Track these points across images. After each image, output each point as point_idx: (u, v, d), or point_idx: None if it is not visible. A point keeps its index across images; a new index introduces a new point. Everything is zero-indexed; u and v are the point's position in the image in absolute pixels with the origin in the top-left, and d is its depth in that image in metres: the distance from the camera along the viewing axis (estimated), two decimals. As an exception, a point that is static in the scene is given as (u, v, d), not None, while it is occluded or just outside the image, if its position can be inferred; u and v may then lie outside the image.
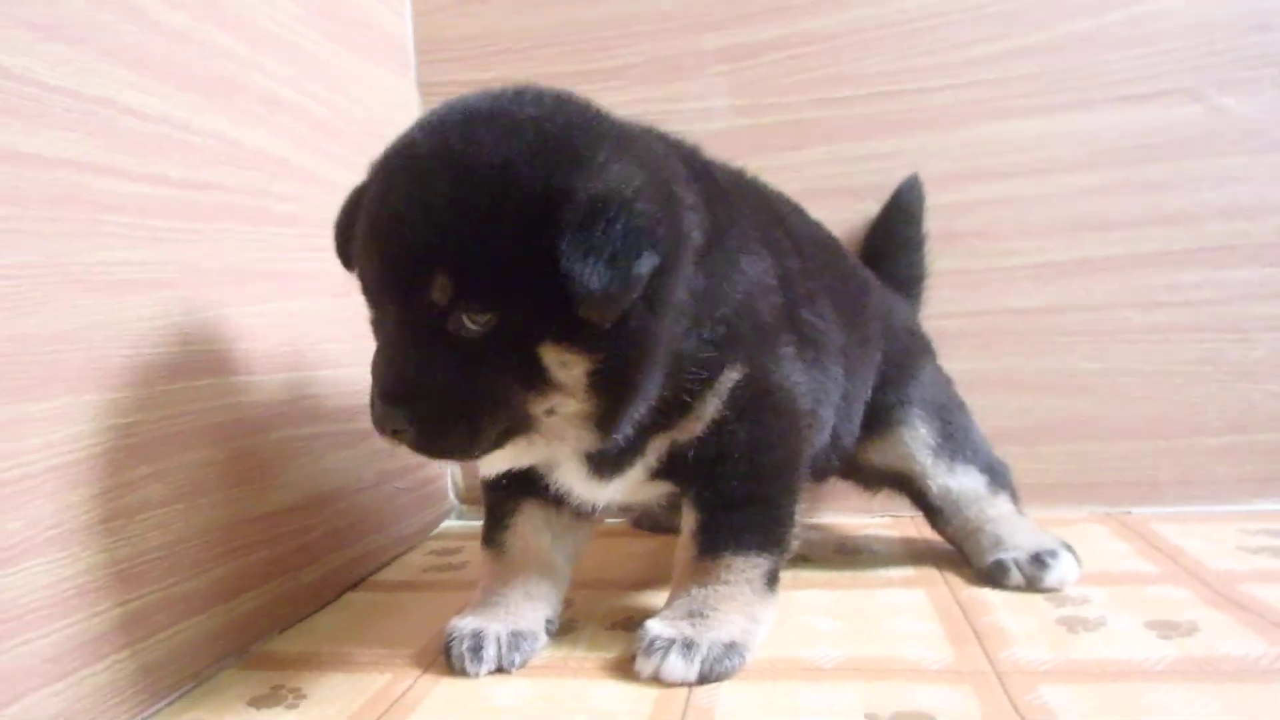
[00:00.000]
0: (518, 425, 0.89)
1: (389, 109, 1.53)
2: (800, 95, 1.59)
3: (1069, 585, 1.15)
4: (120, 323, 0.93)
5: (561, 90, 0.93)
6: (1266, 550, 1.26)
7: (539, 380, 0.85)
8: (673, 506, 1.08)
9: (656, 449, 1.00)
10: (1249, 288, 1.47)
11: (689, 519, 1.01)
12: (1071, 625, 1.03)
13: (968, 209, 1.54)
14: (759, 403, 1.00)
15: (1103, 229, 1.51)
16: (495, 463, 0.94)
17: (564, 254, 0.79)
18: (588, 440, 0.91)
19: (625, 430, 0.92)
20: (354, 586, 1.34)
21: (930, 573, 1.26)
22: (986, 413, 1.53)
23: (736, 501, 0.99)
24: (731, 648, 0.96)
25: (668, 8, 1.62)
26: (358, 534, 1.38)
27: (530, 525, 1.07)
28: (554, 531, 1.09)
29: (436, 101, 0.94)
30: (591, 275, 0.78)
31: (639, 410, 0.92)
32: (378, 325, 0.91)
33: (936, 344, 1.54)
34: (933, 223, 1.55)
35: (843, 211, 1.58)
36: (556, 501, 1.07)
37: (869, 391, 1.25)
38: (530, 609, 1.05)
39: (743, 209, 1.08)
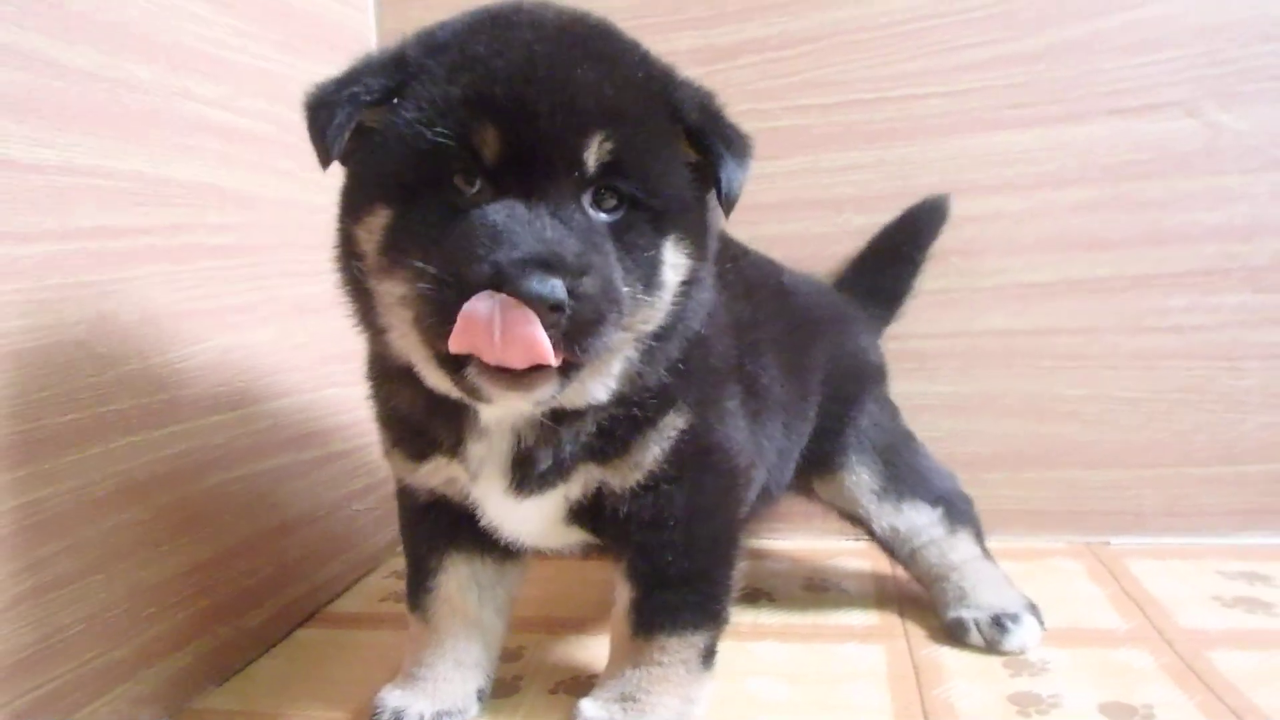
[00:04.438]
0: (578, 363, 0.80)
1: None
2: (777, 101, 1.51)
3: (1029, 650, 1.11)
4: (18, 396, 0.88)
5: None
6: (1243, 603, 1.22)
7: (653, 281, 0.82)
8: (586, 557, 1.06)
9: (582, 480, 0.93)
10: (1241, 313, 1.39)
11: (623, 593, 0.97)
12: (1024, 705, 0.99)
13: (952, 225, 1.46)
14: (699, 461, 0.95)
15: (1092, 248, 1.43)
16: (521, 406, 0.84)
17: (724, 158, 0.83)
18: (614, 385, 0.86)
19: (652, 378, 0.88)
20: (307, 620, 1.32)
21: (893, 621, 1.23)
22: (967, 437, 1.50)
23: (671, 579, 0.95)
24: (666, 733, 0.92)
25: (639, 5, 1.53)
26: (313, 565, 1.35)
27: (455, 584, 1.03)
28: (481, 584, 1.04)
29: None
30: (741, 179, 0.85)
31: (660, 366, 0.88)
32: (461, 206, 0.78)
33: (915, 366, 1.50)
34: (915, 238, 1.48)
35: (821, 225, 1.51)
36: (481, 549, 1.02)
37: (805, 441, 1.20)
38: (460, 679, 1.02)
39: None
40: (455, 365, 0.76)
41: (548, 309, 0.71)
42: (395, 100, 0.79)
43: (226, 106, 1.19)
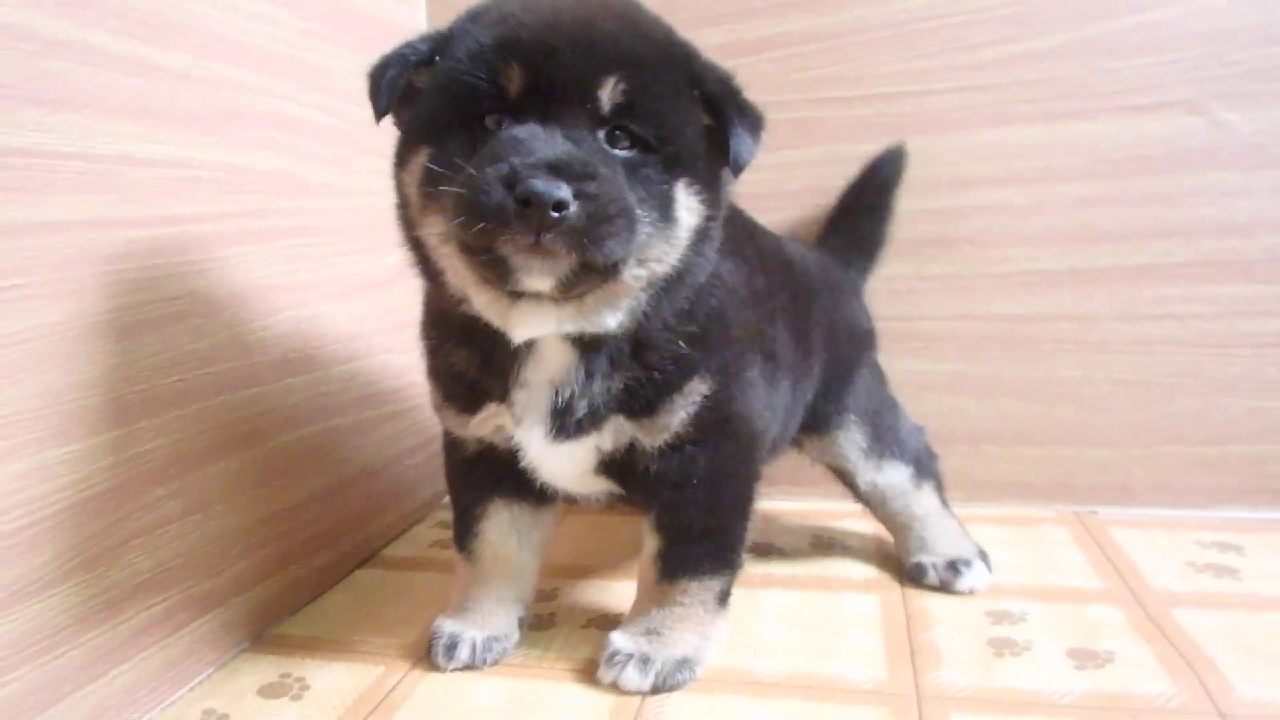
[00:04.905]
0: (600, 268, 0.88)
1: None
2: (800, 94, 1.61)
3: (979, 591, 1.29)
4: (134, 362, 1.03)
5: None
6: (1212, 569, 1.33)
7: (668, 218, 0.91)
8: (610, 507, 1.19)
9: (613, 432, 1.04)
10: (1236, 304, 1.49)
11: (650, 543, 1.10)
12: (1000, 648, 1.12)
13: (962, 215, 1.57)
14: (721, 427, 1.06)
15: (1095, 240, 1.53)
16: (541, 323, 0.94)
17: (736, 125, 0.92)
18: (623, 319, 0.95)
19: (659, 322, 0.98)
20: (364, 563, 1.48)
21: (890, 575, 1.36)
22: (969, 414, 1.61)
23: (694, 533, 1.08)
24: (683, 663, 1.07)
25: (672, 1, 1.63)
26: (371, 514, 1.51)
27: (497, 530, 1.16)
28: (519, 529, 1.18)
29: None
30: (751, 148, 0.94)
31: (666, 314, 0.98)
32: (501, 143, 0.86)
33: (923, 346, 1.61)
34: (927, 227, 1.58)
35: (839, 212, 1.62)
36: (519, 496, 1.15)
37: (809, 398, 1.31)
38: (503, 612, 1.17)
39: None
40: (486, 253, 0.86)
41: (550, 206, 0.81)
42: (437, 60, 0.92)
43: (295, 101, 1.32)
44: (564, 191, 0.81)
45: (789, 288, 1.26)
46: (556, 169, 0.82)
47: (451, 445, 1.18)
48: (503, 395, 1.03)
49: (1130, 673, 1.06)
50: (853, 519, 1.59)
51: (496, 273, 0.88)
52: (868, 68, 1.58)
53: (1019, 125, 1.53)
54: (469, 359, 1.05)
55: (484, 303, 0.94)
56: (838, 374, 1.33)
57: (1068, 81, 1.51)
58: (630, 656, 1.07)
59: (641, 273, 0.92)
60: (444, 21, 1.65)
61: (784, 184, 1.61)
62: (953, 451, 1.61)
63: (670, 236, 0.92)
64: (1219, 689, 1.02)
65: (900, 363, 1.60)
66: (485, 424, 1.08)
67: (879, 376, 1.42)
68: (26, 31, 0.90)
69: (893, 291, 1.61)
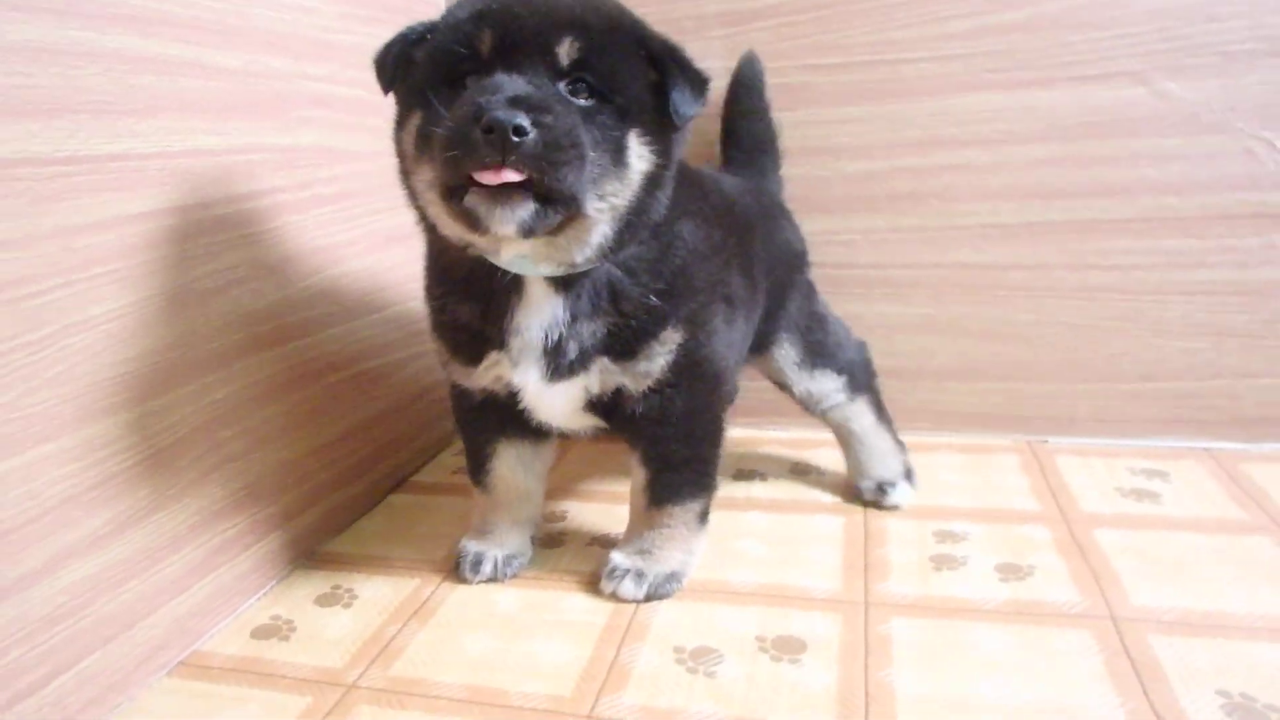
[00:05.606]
0: (576, 209, 1.01)
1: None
2: (789, 61, 1.75)
3: (904, 505, 1.52)
4: (208, 321, 1.21)
5: None
6: (1135, 493, 1.53)
7: (621, 161, 1.03)
8: (596, 440, 1.36)
9: (600, 374, 1.18)
10: (1171, 256, 1.65)
11: (638, 475, 1.29)
12: (939, 563, 1.33)
13: (931, 173, 1.72)
14: (693, 370, 1.22)
15: (1048, 197, 1.69)
16: (521, 247, 1.07)
17: (676, 79, 1.05)
18: (591, 254, 1.08)
19: (628, 267, 1.13)
20: (396, 488, 1.69)
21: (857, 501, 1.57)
22: (935, 352, 1.80)
23: (675, 463, 1.27)
24: (672, 576, 1.28)
25: (670, -29, 1.76)
26: (400, 445, 1.71)
27: (505, 465, 1.35)
28: (524, 462, 1.36)
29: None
30: (690, 101, 1.07)
31: (630, 246, 1.11)
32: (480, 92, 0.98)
33: (893, 292, 1.79)
34: (901, 183, 1.74)
35: (821, 170, 1.77)
36: (521, 435, 1.33)
37: (756, 326, 1.47)
38: (517, 533, 1.38)
39: (680, 180, 1.20)
40: (459, 197, 0.98)
41: (510, 131, 0.92)
42: (429, 36, 1.07)
43: (333, 80, 1.47)
44: (522, 119, 0.92)
45: (736, 232, 1.39)
46: (516, 102, 0.94)
47: (459, 397, 1.34)
48: (501, 343, 1.18)
49: (1045, 584, 1.26)
50: (830, 447, 1.79)
51: (468, 223, 1.02)
52: (850, 37, 1.71)
53: (984, 92, 1.68)
54: (471, 311, 1.19)
55: (478, 243, 1.08)
56: (775, 297, 1.49)
57: (1029, 53, 1.64)
58: (627, 571, 1.27)
59: (602, 205, 1.04)
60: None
61: (772, 144, 1.76)
62: (920, 386, 1.82)
63: (623, 176, 1.04)
64: (1116, 598, 1.22)
65: (875, 306, 1.80)
66: (487, 373, 1.22)
67: (810, 294, 1.58)
68: (122, 52, 1.07)
69: (869, 242, 1.78)
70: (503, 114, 0.92)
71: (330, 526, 1.50)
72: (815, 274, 1.66)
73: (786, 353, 1.52)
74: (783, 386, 1.57)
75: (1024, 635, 1.15)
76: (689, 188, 1.23)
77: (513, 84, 0.97)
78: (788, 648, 1.15)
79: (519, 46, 1.00)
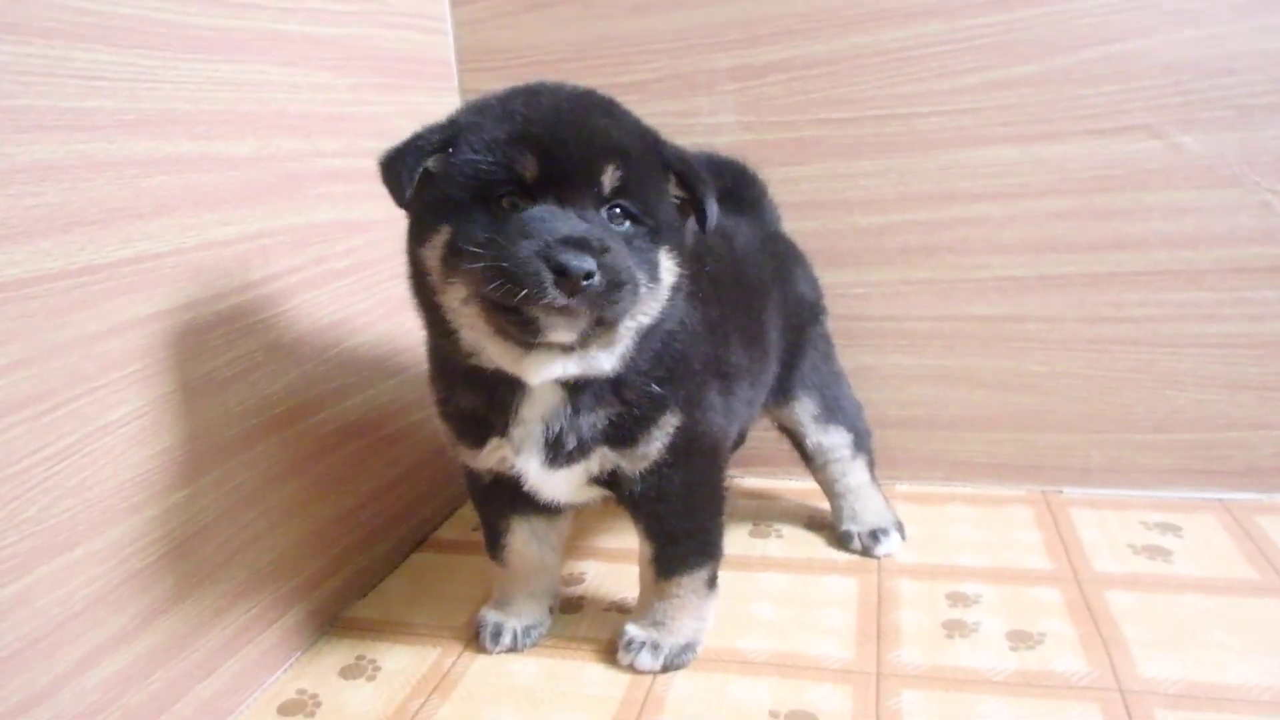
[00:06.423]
0: (607, 322, 1.05)
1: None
2: (801, 115, 1.76)
3: (893, 554, 1.57)
4: (226, 408, 1.25)
5: None
6: (1147, 550, 1.53)
7: (654, 278, 1.08)
8: (605, 506, 1.38)
9: (600, 460, 1.21)
10: (1184, 309, 1.66)
11: (644, 549, 1.32)
12: (951, 630, 1.34)
13: (945, 226, 1.73)
14: (690, 447, 1.25)
15: (1061, 250, 1.69)
16: (552, 368, 1.10)
17: (705, 195, 1.12)
18: (617, 362, 1.12)
19: (637, 364, 1.15)
20: (418, 545, 1.72)
21: (870, 560, 1.57)
22: (948, 403, 1.81)
23: (678, 536, 1.29)
24: (687, 647, 1.31)
25: (685, 28, 1.77)
26: (421, 503, 1.74)
27: (520, 540, 1.38)
28: (538, 536, 1.39)
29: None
30: (714, 211, 1.14)
31: (645, 355, 1.15)
32: (513, 224, 1.01)
33: (908, 343, 1.80)
34: (913, 236, 1.75)
35: (835, 223, 1.78)
36: (534, 510, 1.35)
37: (769, 387, 1.51)
38: (535, 604, 1.40)
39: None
40: (516, 314, 1.01)
41: (581, 277, 0.97)
42: (450, 149, 1.07)
43: (345, 154, 1.49)
44: (591, 264, 0.97)
45: (743, 294, 1.42)
46: (580, 244, 0.98)
47: (471, 475, 1.36)
48: (503, 430, 1.21)
49: (1055, 653, 1.28)
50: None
51: (523, 329, 1.04)
52: (862, 91, 1.72)
53: (997, 145, 1.68)
54: (475, 400, 1.22)
55: (499, 353, 1.10)
56: (791, 350, 1.55)
57: (1041, 106, 1.65)
58: (644, 644, 1.30)
59: (632, 324, 1.09)
60: (471, 42, 1.85)
61: (786, 197, 1.76)
62: (934, 436, 1.83)
63: (656, 294, 1.11)
64: (1125, 667, 1.23)
65: (889, 358, 1.81)
66: (491, 455, 1.25)
67: (827, 350, 1.63)
68: (132, 157, 1.09)
69: (882, 295, 1.79)
70: (575, 260, 0.96)
71: (354, 590, 1.53)
72: (829, 326, 1.68)
73: (805, 405, 1.58)
74: (794, 435, 1.61)
75: (1032, 709, 1.17)
76: (691, 261, 1.23)
77: (568, 221, 1.01)
78: (800, 725, 1.17)
79: (566, 176, 1.04)
